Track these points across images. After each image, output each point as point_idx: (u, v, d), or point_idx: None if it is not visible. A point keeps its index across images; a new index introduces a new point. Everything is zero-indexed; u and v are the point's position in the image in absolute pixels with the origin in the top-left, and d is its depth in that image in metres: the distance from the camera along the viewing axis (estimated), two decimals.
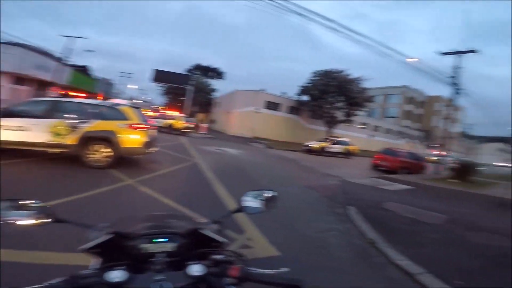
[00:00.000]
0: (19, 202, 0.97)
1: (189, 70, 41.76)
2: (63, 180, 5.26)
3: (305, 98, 28.71)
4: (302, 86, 28.53)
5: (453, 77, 16.11)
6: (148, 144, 6.77)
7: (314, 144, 21.22)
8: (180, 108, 30.37)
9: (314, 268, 3.06)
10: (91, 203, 4.16)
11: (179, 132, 20.58)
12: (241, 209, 1.17)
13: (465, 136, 56.87)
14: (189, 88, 30.66)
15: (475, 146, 58.60)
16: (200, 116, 42.68)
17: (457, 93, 16.33)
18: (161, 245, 0.89)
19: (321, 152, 20.95)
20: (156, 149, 7.53)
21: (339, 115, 27.84)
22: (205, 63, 45.98)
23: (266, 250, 3.35)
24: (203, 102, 37.66)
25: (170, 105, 51.87)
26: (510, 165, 24.10)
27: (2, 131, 5.89)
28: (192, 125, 22.99)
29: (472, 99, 19.38)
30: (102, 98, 23.56)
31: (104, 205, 4.16)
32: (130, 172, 6.23)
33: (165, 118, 21.65)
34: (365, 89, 27.31)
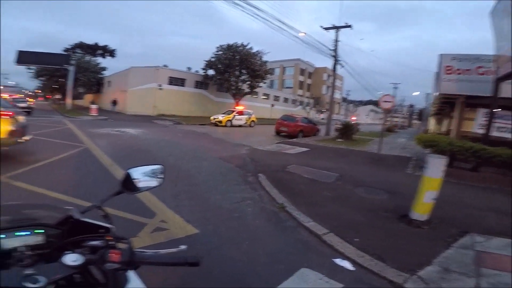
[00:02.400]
0: None
1: (69, 49, 36.63)
2: None
3: (210, 72, 28.38)
4: (207, 61, 28.07)
5: (333, 49, 18.73)
6: (15, 133, 5.51)
7: (221, 117, 21.33)
8: (61, 90, 26.34)
9: (233, 240, 3.15)
10: None
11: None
12: (123, 190, 1.10)
13: (346, 101, 68.56)
14: (70, 69, 26.42)
15: (353, 109, 71.69)
16: (89, 97, 37.10)
17: (337, 63, 19.17)
18: (24, 239, 0.82)
19: (227, 124, 21.24)
20: (28, 137, 6.08)
21: (244, 87, 28.75)
22: (91, 41, 40.95)
23: (183, 229, 3.25)
24: (91, 82, 32.66)
25: (45, 88, 42.91)
26: (379, 123, 30.71)
27: None
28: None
29: (349, 69, 23.27)
30: None
31: None
32: (2, 167, 4.82)
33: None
34: (265, 62, 28.77)
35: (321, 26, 18.61)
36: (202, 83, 30.14)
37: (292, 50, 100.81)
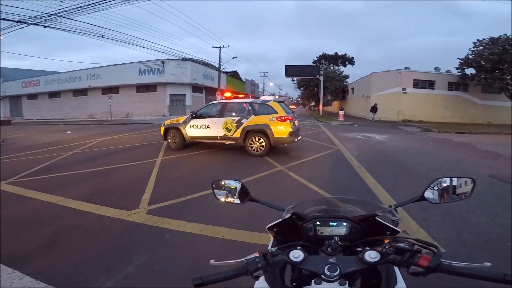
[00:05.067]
0: (222, 183, 1.17)
1: (316, 61, 42.14)
2: (235, 165, 6.63)
3: (469, 71, 22.59)
4: (462, 59, 22.65)
5: None
6: (293, 134, 7.40)
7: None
8: (314, 98, 30.69)
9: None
10: (256, 185, 4.96)
11: None
12: (423, 198, 1.07)
13: None
14: (320, 78, 30.80)
15: None
16: (336, 103, 41.87)
17: None
18: (335, 229, 0.92)
19: None
20: (299, 137, 8.04)
21: None
22: (331, 52, 45.28)
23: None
24: (337, 90, 36.90)
25: (303, 97, 53.98)
26: None
27: (191, 129, 8.07)
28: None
29: None
30: (251, 97, 27.35)
31: (265, 187, 4.91)
32: (281, 160, 7.00)
33: None
34: None
35: None
36: (459, 84, 24.65)
37: None
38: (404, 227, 3.39)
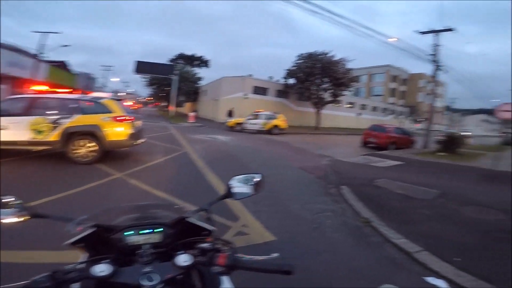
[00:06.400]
0: (2, 201, 0.92)
1: (173, 60, 41.51)
2: (49, 178, 5.08)
3: (291, 81, 28.72)
4: (288, 70, 28.46)
5: (433, 54, 16.30)
6: (134, 136, 6.68)
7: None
8: (166, 98, 29.94)
9: (311, 251, 3.07)
10: (80, 199, 4.04)
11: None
12: (228, 195, 1.14)
13: (449, 109, 58.40)
14: (174, 78, 30.28)
15: (459, 119, 60.38)
16: (189, 105, 42.28)
17: (438, 69, 16.63)
18: (147, 236, 0.88)
19: (236, 128, 18.55)
20: (143, 140, 7.41)
21: (326, 96, 27.91)
22: (189, 52, 46.09)
23: (262, 236, 3.34)
24: (190, 91, 37.37)
25: (155, 96, 51.12)
26: (494, 134, 24.78)
27: None
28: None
29: (452, 75, 19.71)
30: (81, 92, 22.91)
31: (94, 201, 4.04)
32: (119, 166, 6.11)
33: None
34: (349, 69, 27.28)
35: (417, 31, 16.54)
36: (283, 92, 30.59)
37: (381, 56, 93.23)
38: (244, 221, 3.70)
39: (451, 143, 13.23)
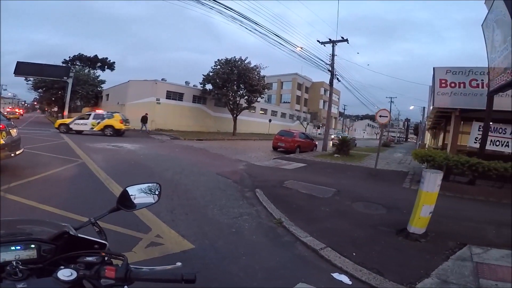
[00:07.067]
0: None
1: (68, 61, 37.06)
2: None
3: (209, 87, 28.58)
4: (205, 75, 28.20)
5: (330, 64, 19.08)
6: (7, 147, 5.50)
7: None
8: (58, 103, 25.98)
9: (231, 256, 3.10)
10: None
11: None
12: (119, 207, 1.12)
13: (343, 115, 69.24)
14: (68, 81, 26.42)
15: (350, 124, 72.24)
16: (87, 110, 37.17)
17: (334, 78, 19.46)
18: (21, 252, 0.84)
19: (61, 129, 17.17)
20: (20, 151, 6.08)
21: (242, 102, 28.97)
22: (91, 54, 41.24)
23: (179, 244, 3.21)
24: (89, 95, 33.00)
25: (42, 100, 43.05)
26: (376, 138, 30.47)
27: None
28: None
29: (344, 83, 23.49)
30: None
31: None
32: None
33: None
34: (263, 76, 29.12)
35: (318, 41, 18.95)
36: (200, 97, 30.29)
37: (290, 64, 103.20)
38: (157, 231, 3.46)
39: (343, 146, 15.69)
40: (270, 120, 39.05)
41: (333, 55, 19.03)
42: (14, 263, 0.77)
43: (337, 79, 19.80)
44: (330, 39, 18.89)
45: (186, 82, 31.82)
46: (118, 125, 17.64)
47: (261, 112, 40.74)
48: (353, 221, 4.41)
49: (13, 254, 0.82)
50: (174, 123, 26.93)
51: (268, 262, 3.04)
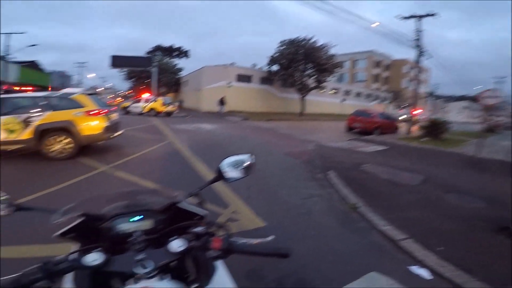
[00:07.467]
0: None
1: (150, 52, 40.61)
2: (33, 175, 4.86)
3: (274, 68, 28.43)
4: (271, 57, 28.02)
5: (416, 39, 16.47)
6: (109, 129, 6.54)
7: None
8: (147, 91, 29.66)
9: (300, 236, 3.11)
10: (68, 194, 3.92)
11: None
12: (219, 178, 1.10)
13: (432, 95, 59.99)
14: (153, 70, 29.59)
15: (442, 105, 62.12)
16: (170, 96, 41.52)
17: (421, 55, 16.79)
18: (137, 224, 0.86)
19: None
20: (120, 132, 7.24)
21: (310, 82, 27.93)
22: (167, 44, 45.20)
23: (253, 222, 3.37)
24: (171, 82, 36.85)
25: (135, 89, 50.01)
26: (476, 121, 25.43)
27: None
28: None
29: (435, 60, 20.10)
30: (50, 89, 22.27)
31: (81, 195, 3.83)
32: (103, 159, 5.96)
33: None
34: (332, 55, 27.28)
35: (399, 16, 16.52)
36: (267, 79, 30.32)
37: (364, 42, 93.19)
38: (234, 207, 3.70)
39: (435, 129, 13.56)
40: (343, 100, 36.70)
41: (418, 30, 16.31)
42: (139, 233, 0.79)
43: (425, 56, 16.97)
44: (413, 15, 16.20)
45: (253, 65, 32.23)
46: (159, 108, 20.48)
47: (332, 92, 38.50)
48: (443, 214, 3.86)
49: (134, 225, 0.85)
50: (243, 104, 27.85)
51: (338, 247, 2.96)
